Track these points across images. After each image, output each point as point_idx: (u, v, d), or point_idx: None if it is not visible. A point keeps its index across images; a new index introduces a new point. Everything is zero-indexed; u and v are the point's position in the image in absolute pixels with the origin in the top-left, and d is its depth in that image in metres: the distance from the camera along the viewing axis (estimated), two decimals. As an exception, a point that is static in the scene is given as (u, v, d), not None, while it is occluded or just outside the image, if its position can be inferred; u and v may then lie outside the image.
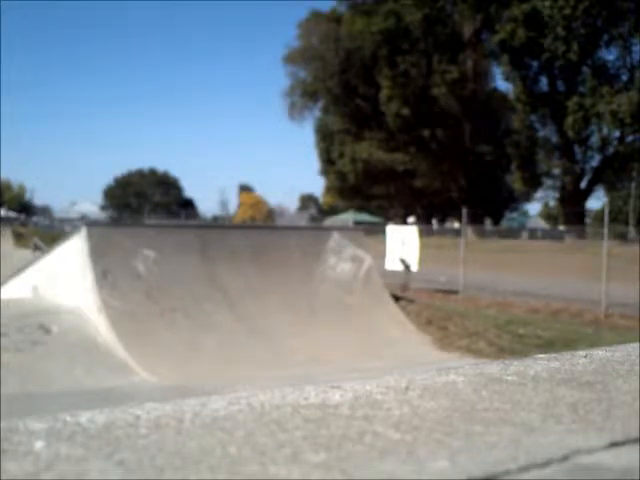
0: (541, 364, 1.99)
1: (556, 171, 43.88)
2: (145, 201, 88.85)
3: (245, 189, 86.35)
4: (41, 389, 7.25)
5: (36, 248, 20.49)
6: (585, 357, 2.13)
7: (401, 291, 14.21)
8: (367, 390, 1.61)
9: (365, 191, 52.67)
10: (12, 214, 69.88)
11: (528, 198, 54.57)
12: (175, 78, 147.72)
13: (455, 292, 15.64)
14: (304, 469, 1.08)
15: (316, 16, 49.84)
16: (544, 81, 41.43)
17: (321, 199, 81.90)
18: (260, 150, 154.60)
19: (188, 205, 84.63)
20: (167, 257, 10.31)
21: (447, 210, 53.58)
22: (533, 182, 44.07)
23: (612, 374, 1.90)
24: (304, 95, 51.88)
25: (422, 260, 15.58)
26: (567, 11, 35.37)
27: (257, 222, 63.98)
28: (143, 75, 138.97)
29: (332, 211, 69.43)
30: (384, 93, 45.14)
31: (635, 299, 12.35)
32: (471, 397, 1.58)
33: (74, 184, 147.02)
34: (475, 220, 37.99)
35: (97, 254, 9.68)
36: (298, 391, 1.57)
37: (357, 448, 1.20)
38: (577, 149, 41.35)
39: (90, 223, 16.60)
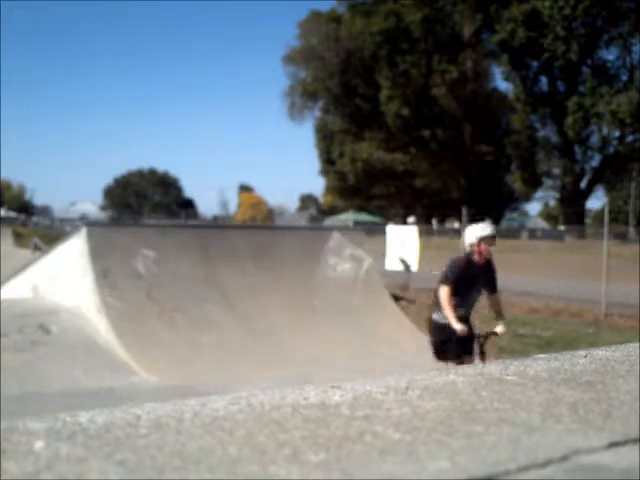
0: (541, 364, 1.99)
1: (556, 171, 43.96)
2: (145, 201, 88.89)
3: (245, 189, 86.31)
4: (41, 389, 7.24)
5: (36, 248, 20.48)
6: (585, 357, 2.13)
7: (401, 291, 14.20)
8: (367, 390, 1.60)
9: (365, 191, 52.64)
10: (12, 214, 69.74)
11: (528, 198, 54.62)
12: (175, 78, 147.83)
13: (455, 292, 15.59)
14: (304, 469, 1.08)
15: (316, 16, 49.83)
16: (544, 81, 41.52)
17: (321, 199, 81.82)
18: (260, 150, 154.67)
19: (188, 205, 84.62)
20: (167, 257, 10.30)
21: (447, 210, 53.51)
22: (533, 182, 44.10)
23: (612, 374, 1.90)
24: (304, 95, 51.86)
25: (422, 260, 15.55)
26: (567, 11, 35.36)
27: (257, 222, 63.92)
28: (143, 75, 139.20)
29: (332, 211, 69.33)
30: (384, 93, 45.13)
31: (635, 299, 12.34)
32: (471, 397, 1.58)
33: (74, 184, 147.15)
34: (475, 220, 37.90)
35: (97, 254, 9.67)
36: (298, 391, 1.57)
37: (357, 448, 1.19)
38: (577, 149, 41.37)
39: (90, 223, 16.60)
